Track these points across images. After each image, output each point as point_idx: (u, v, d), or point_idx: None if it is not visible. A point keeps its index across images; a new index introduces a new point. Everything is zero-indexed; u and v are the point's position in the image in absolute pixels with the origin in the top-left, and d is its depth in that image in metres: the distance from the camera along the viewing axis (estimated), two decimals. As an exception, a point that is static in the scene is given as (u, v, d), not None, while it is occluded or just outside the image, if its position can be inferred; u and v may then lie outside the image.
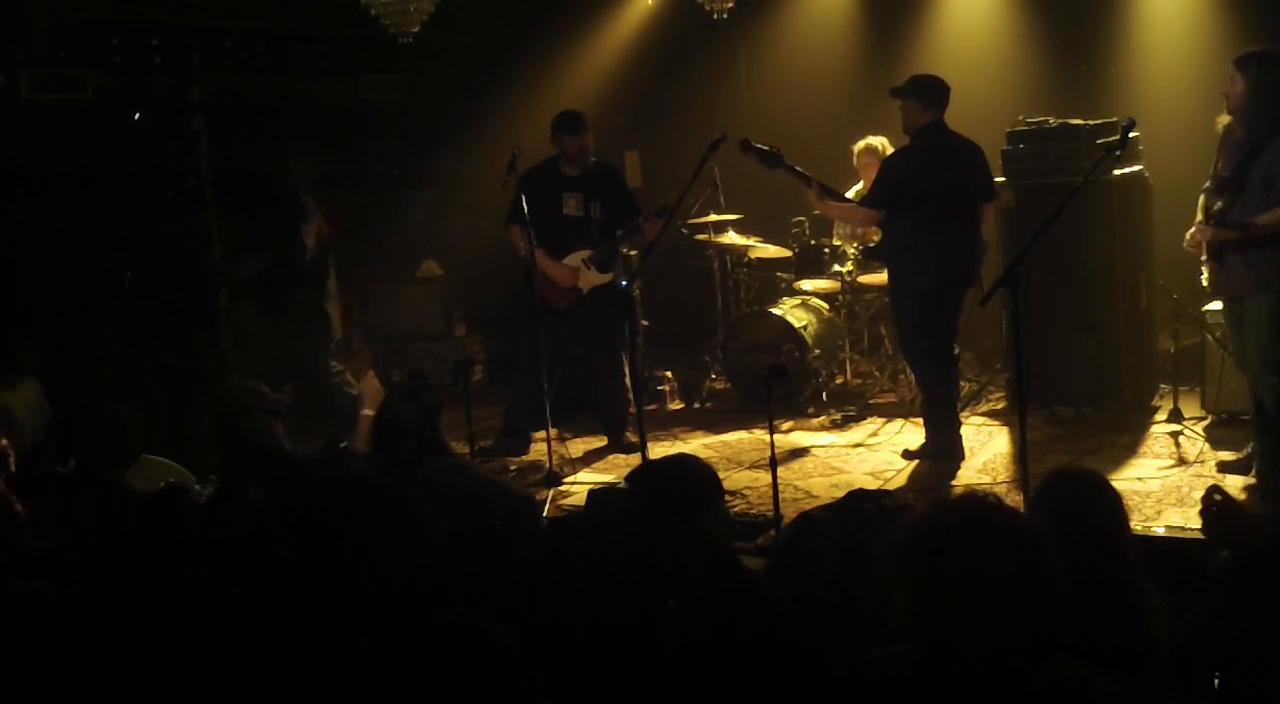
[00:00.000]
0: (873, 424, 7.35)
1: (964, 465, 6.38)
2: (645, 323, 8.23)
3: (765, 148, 6.30)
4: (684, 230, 8.57)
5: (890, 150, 7.21)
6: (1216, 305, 6.34)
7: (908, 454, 6.58)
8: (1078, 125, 7.02)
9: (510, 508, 4.21)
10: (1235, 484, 5.46)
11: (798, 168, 6.38)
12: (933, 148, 6.26)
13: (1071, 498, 3.09)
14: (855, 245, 7.59)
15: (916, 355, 6.57)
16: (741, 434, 7.35)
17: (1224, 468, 5.84)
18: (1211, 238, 5.41)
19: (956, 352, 6.49)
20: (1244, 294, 5.39)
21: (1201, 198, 5.62)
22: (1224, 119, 5.42)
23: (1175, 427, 6.63)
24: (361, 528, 2.93)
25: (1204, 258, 5.55)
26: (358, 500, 3.05)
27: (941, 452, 6.45)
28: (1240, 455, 5.78)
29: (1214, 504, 4.65)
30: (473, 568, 3.43)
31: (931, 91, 6.25)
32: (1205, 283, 5.65)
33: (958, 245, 6.27)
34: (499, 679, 2.31)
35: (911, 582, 2.24)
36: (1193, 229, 5.57)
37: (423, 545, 2.98)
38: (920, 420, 6.71)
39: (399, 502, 3.04)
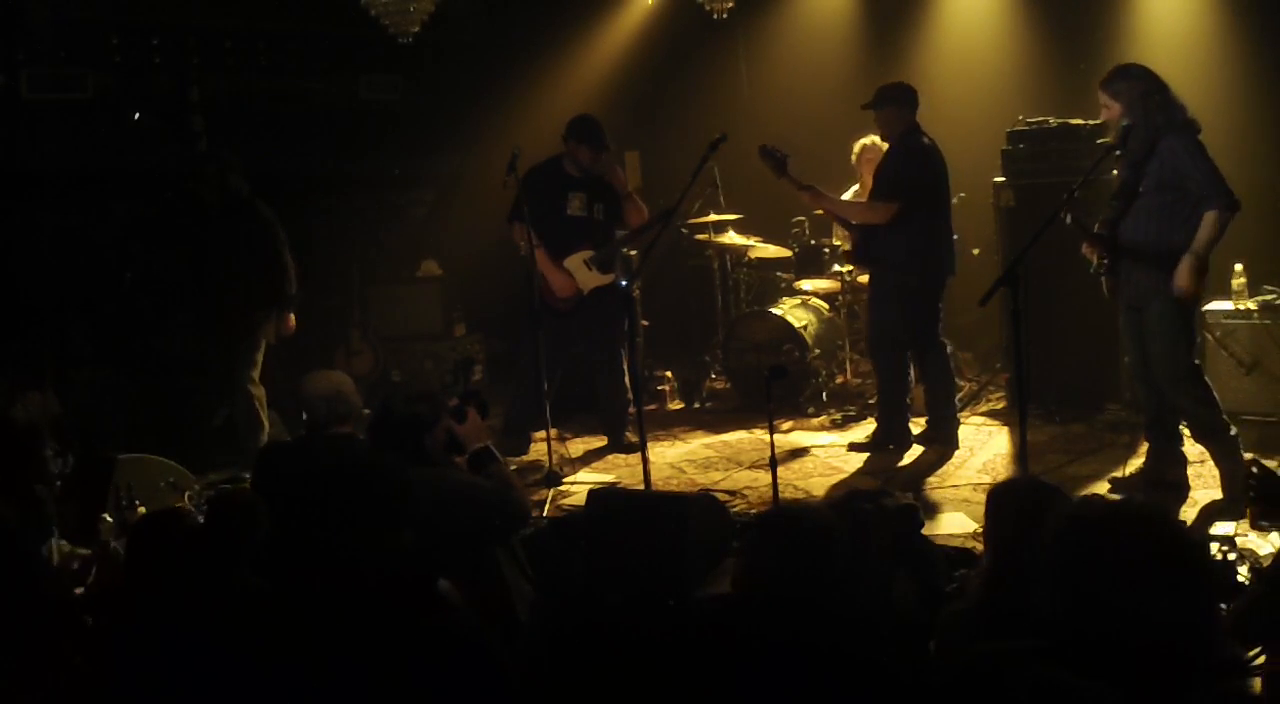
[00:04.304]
0: (872, 424, 7.32)
1: (964, 465, 6.40)
2: (645, 323, 8.23)
3: (778, 153, 6.35)
4: (684, 230, 8.57)
5: (889, 151, 7.23)
6: (1215, 305, 6.34)
7: (913, 441, 6.70)
8: (1078, 125, 7.02)
9: (500, 512, 4.20)
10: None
11: (800, 181, 6.43)
12: (925, 147, 6.38)
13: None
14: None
15: (905, 347, 6.63)
16: (741, 434, 7.35)
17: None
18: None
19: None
20: (1144, 304, 5.34)
21: None
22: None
23: (1175, 426, 6.63)
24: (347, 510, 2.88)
25: (1095, 267, 5.44)
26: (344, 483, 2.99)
27: (936, 437, 6.61)
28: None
29: (1252, 476, 4.63)
30: (451, 573, 3.42)
31: (909, 97, 6.42)
32: (1106, 291, 5.53)
33: (944, 238, 6.48)
34: (490, 683, 2.32)
35: (1069, 573, 2.15)
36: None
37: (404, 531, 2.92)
38: (920, 420, 6.77)
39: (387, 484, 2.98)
